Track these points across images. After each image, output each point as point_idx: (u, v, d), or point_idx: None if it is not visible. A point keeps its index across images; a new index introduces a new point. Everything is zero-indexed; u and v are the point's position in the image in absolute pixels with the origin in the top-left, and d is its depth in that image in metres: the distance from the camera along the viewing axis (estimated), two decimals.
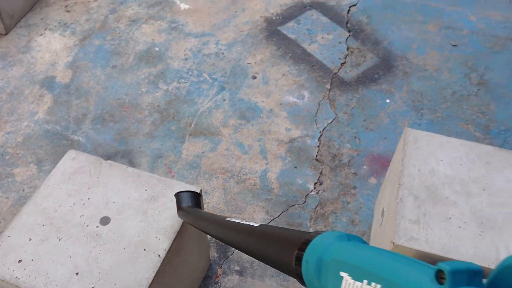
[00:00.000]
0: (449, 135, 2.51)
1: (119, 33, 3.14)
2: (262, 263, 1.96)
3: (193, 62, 2.94)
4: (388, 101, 2.74)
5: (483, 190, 1.72)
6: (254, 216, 2.24)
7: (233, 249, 2.12)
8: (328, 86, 2.80)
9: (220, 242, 2.14)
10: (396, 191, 1.73)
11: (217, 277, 2.04)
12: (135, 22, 3.21)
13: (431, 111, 2.69)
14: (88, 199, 1.65)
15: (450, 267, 0.50)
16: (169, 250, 1.54)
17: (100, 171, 1.73)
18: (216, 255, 2.11)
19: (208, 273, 2.05)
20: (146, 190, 1.68)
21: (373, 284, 0.57)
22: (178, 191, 1.58)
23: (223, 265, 2.08)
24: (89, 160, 1.76)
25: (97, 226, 1.58)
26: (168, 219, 1.60)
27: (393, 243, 1.57)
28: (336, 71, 2.88)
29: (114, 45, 3.06)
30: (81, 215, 1.60)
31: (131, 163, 2.43)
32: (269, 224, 1.10)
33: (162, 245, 1.54)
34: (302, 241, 0.74)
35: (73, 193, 1.66)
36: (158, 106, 2.69)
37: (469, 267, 0.51)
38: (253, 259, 2.06)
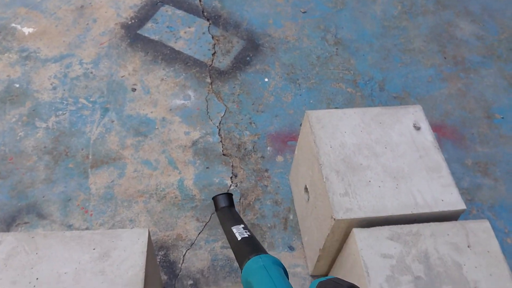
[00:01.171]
0: (327, 97, 2.79)
1: None
2: (211, 270, 2.08)
3: (64, 90, 2.77)
4: (266, 80, 2.91)
5: (385, 148, 1.99)
6: (187, 228, 2.29)
7: (180, 265, 2.17)
8: (209, 80, 2.87)
9: (165, 262, 2.17)
10: (318, 171, 1.93)
11: None
12: None
13: (306, 79, 2.93)
14: (37, 279, 1.55)
15: None
16: None
17: (36, 246, 1.63)
18: (166, 277, 2.14)
19: None
20: (94, 249, 1.64)
21: None
22: (214, 195, 1.61)
23: (176, 285, 2.12)
24: (19, 238, 1.64)
25: None
26: (129, 269, 1.60)
27: (334, 219, 1.77)
28: (210, 63, 2.95)
29: None
30: None
31: (40, 216, 2.28)
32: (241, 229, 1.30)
33: None
34: (244, 260, 1.16)
35: (18, 279, 1.55)
36: (45, 147, 2.52)
37: None
38: (202, 268, 2.14)
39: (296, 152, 2.31)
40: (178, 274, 2.15)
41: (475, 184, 2.56)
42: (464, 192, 2.51)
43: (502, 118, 2.86)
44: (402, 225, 1.79)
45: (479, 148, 2.71)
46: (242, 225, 1.42)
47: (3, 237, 1.64)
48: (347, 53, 3.10)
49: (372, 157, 1.96)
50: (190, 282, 2.13)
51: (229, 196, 1.70)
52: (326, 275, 2.17)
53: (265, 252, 1.22)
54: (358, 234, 1.75)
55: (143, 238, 1.68)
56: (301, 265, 2.21)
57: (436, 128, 2.75)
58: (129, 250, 1.65)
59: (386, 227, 1.78)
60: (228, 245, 2.20)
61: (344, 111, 2.11)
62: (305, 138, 2.12)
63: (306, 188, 2.16)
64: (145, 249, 1.65)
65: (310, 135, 2.04)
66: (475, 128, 2.81)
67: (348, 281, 0.89)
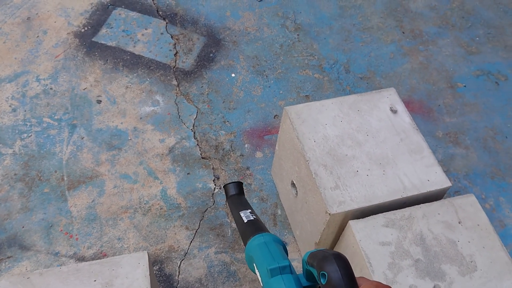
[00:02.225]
0: (296, 85, 2.80)
1: None
2: (208, 277, 2.07)
3: (25, 110, 2.64)
4: (233, 75, 2.87)
5: (367, 135, 2.02)
6: (177, 238, 2.26)
7: (177, 277, 2.14)
8: (175, 82, 2.81)
9: (161, 276, 2.14)
10: (306, 167, 1.94)
11: None
12: None
13: (272, 70, 2.92)
14: None
15: (272, 266, 0.97)
16: None
17: (33, 287, 1.56)
18: None
19: None
20: (95, 280, 1.59)
21: (257, 271, 1.04)
22: (226, 183, 1.63)
23: None
24: (14, 282, 1.57)
25: None
26: None
27: (329, 214, 1.79)
28: (174, 64, 2.89)
29: None
30: None
31: (23, 248, 2.19)
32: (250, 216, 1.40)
33: None
34: (247, 239, 1.21)
35: None
36: (15, 174, 2.40)
37: (280, 264, 0.97)
38: (199, 276, 2.13)
39: (277, 147, 2.31)
40: (177, 287, 2.13)
41: (448, 155, 2.65)
42: (440, 163, 2.59)
43: (465, 86, 2.96)
44: (395, 211, 1.83)
45: (447, 119, 2.80)
46: (249, 210, 1.51)
47: None
48: (309, 38, 3.10)
49: (356, 146, 1.99)
50: None
51: (239, 184, 1.78)
52: None
53: (268, 231, 1.31)
54: (355, 226, 1.78)
55: (143, 261, 1.64)
56: (296, 258, 2.23)
57: (405, 104, 2.80)
58: (132, 276, 1.61)
59: (381, 215, 1.82)
60: (222, 250, 2.20)
61: (322, 103, 2.12)
62: (287, 134, 2.12)
63: (293, 183, 2.17)
64: (148, 273, 1.62)
65: (292, 132, 2.04)
66: (440, 100, 2.89)
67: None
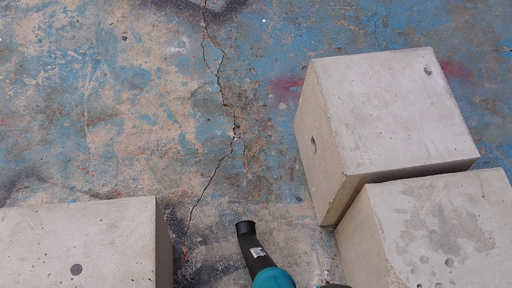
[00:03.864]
0: (329, 36, 2.65)
1: None
2: (219, 226, 2.06)
3: (50, 42, 2.61)
4: (264, 20, 2.75)
5: (396, 96, 1.90)
6: (192, 183, 2.24)
7: (188, 222, 2.14)
8: (203, 24, 2.71)
9: (172, 220, 2.14)
10: (327, 124, 1.85)
11: (185, 255, 2.07)
12: None
13: (305, 18, 2.77)
14: (45, 254, 1.52)
15: None
16: (156, 269, 1.53)
17: (41, 220, 1.58)
18: (174, 235, 2.12)
19: (175, 255, 2.07)
20: (101, 220, 1.59)
21: None
22: (237, 222, 1.79)
23: (185, 242, 2.10)
24: (22, 213, 1.59)
25: (72, 279, 1.49)
26: (139, 239, 1.56)
27: (345, 175, 1.71)
28: (204, 5, 2.77)
29: None
30: (48, 274, 1.49)
31: (40, 179, 2.21)
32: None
33: (147, 267, 1.52)
34: (258, 272, 1.26)
35: (26, 255, 1.51)
36: (37, 106, 2.41)
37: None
38: (210, 224, 2.12)
39: (300, 101, 2.22)
40: (187, 232, 2.13)
41: (483, 123, 2.50)
42: (472, 131, 2.46)
43: (511, 51, 2.75)
44: (415, 178, 1.75)
45: (486, 84, 2.62)
46: (260, 248, 1.54)
47: (6, 213, 1.59)
48: None
49: (382, 106, 1.88)
50: (199, 239, 2.11)
51: (251, 223, 1.85)
52: (336, 225, 2.16)
53: (277, 266, 1.37)
54: (371, 190, 1.71)
55: (150, 206, 1.63)
56: (309, 215, 2.19)
57: (443, 65, 2.64)
58: (137, 220, 1.60)
59: (399, 181, 1.73)
60: (235, 199, 2.17)
61: (351, 58, 2.00)
62: (311, 88, 2.02)
63: (313, 139, 2.10)
64: (154, 218, 1.60)
65: (316, 86, 1.94)
66: (482, 63, 2.70)
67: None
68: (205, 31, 2.68)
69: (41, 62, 2.53)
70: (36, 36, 2.62)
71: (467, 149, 1.80)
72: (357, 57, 2.01)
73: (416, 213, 1.67)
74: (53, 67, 2.52)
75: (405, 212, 1.67)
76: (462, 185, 1.73)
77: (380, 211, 1.67)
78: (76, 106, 2.41)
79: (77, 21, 2.68)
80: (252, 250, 1.49)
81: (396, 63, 1.99)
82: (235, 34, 2.68)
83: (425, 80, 1.96)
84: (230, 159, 2.31)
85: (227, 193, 2.22)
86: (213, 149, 2.33)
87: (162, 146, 2.33)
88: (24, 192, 2.18)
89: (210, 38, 2.66)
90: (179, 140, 2.35)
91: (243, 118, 2.43)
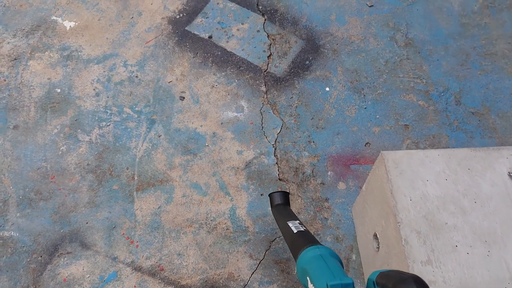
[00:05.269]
0: (396, 111, 2.48)
1: (4, 79, 2.62)
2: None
3: (107, 96, 2.56)
4: (327, 89, 2.61)
5: (475, 202, 1.70)
6: (239, 265, 2.09)
7: None
8: (264, 88, 2.60)
9: None
10: (395, 229, 1.67)
11: None
12: (19, 61, 2.69)
13: (372, 89, 2.62)
14: None
15: (333, 282, 0.94)
16: None
17: None
18: None
19: None
20: None
21: (311, 285, 1.03)
22: (270, 192, 1.63)
23: None
24: None
25: None
26: None
27: None
28: (265, 68, 2.67)
29: (4, 97, 2.56)
30: None
31: (84, 245, 2.13)
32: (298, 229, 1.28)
33: None
34: (300, 250, 1.17)
35: None
36: (88, 164, 2.34)
37: (343, 282, 0.94)
38: None
39: (364, 188, 2.05)
40: None
41: None
42: None
43: None
44: None
45: None
46: (298, 221, 1.42)
47: None
48: (419, 57, 2.74)
49: (459, 214, 1.68)
50: None
51: (285, 194, 1.69)
52: None
53: (321, 244, 1.24)
54: None
55: None
56: None
57: None
58: None
59: None
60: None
61: (426, 153, 1.82)
62: (378, 181, 1.85)
63: (375, 236, 1.92)
64: None
65: (385, 182, 1.77)
66: None
67: None
68: (265, 96, 2.57)
69: (97, 118, 2.49)
70: (94, 89, 2.58)
71: None
72: (432, 152, 1.83)
73: None
74: (108, 123, 2.47)
75: None
76: None
77: None
78: (127, 168, 2.33)
79: (136, 76, 2.63)
80: (290, 224, 1.37)
81: (476, 163, 1.80)
82: (296, 102, 2.55)
83: (508, 186, 1.75)
84: (281, 241, 2.16)
85: (276, 281, 2.06)
86: (264, 228, 2.18)
87: (211, 220, 2.20)
88: (66, 258, 2.09)
89: (270, 104, 2.54)
90: (229, 215, 2.22)
91: (299, 196, 2.28)
